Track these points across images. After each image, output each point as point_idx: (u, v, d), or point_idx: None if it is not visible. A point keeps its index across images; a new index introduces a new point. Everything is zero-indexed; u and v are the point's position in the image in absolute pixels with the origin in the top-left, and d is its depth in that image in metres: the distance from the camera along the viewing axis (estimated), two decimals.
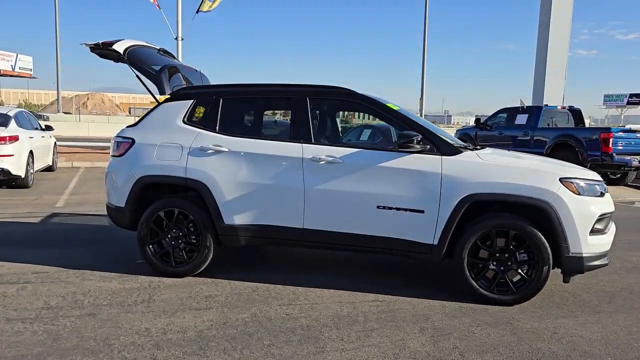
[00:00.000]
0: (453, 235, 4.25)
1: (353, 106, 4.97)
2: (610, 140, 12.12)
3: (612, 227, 4.46)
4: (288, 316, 3.90)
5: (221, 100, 4.84)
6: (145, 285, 4.53)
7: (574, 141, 12.69)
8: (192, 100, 4.90)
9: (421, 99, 22.67)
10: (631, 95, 68.08)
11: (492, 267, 4.25)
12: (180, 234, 4.74)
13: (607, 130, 12.48)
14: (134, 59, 5.04)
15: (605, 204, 4.31)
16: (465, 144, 4.75)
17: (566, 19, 17.81)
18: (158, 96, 5.12)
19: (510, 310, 4.14)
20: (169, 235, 4.75)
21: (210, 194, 4.60)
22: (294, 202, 4.51)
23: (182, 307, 4.04)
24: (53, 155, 12.76)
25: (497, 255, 4.23)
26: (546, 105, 15.12)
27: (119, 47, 4.98)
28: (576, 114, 14.77)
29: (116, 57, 5.23)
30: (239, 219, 4.62)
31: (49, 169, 12.52)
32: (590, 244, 4.17)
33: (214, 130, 4.75)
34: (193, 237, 4.74)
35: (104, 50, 5.13)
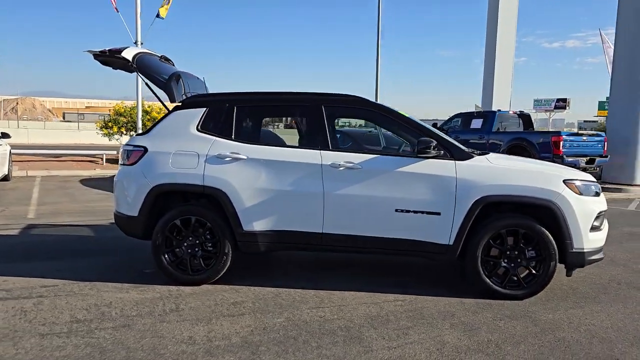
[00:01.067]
0: (467, 235, 4.51)
1: (366, 114, 5.14)
2: (561, 143, 12.94)
3: (606, 224, 4.86)
4: (322, 319, 4.01)
5: (235, 108, 4.89)
6: (166, 294, 4.51)
7: (527, 144, 13.44)
8: (205, 108, 4.91)
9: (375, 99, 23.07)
10: (558, 100, 72.02)
11: (503, 264, 4.54)
12: (197, 241, 4.74)
13: (558, 133, 13.32)
14: (143, 66, 5.01)
15: (601, 203, 4.70)
16: (471, 150, 5.03)
17: (512, 27, 18.81)
18: (168, 104, 5.10)
19: (523, 304, 4.44)
20: (185, 244, 4.75)
21: (229, 201, 4.64)
22: (314, 207, 4.63)
23: (214, 314, 4.07)
24: (9, 164, 12.18)
25: (508, 252, 4.53)
26: (499, 110, 15.91)
27: (128, 54, 4.94)
28: (525, 118, 15.63)
29: (122, 64, 5.18)
30: (258, 225, 4.68)
31: (4, 178, 11.94)
32: (590, 240, 4.54)
33: (229, 138, 4.80)
34: (209, 244, 4.76)
35: (110, 57, 5.06)
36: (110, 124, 15.95)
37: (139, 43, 14.64)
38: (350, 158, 4.64)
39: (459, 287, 4.83)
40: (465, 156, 4.63)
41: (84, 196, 10.66)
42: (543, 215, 4.52)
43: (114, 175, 5.20)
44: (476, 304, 4.40)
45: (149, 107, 16.54)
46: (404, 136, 5.00)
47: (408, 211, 4.55)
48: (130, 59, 4.95)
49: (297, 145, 4.85)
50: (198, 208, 4.76)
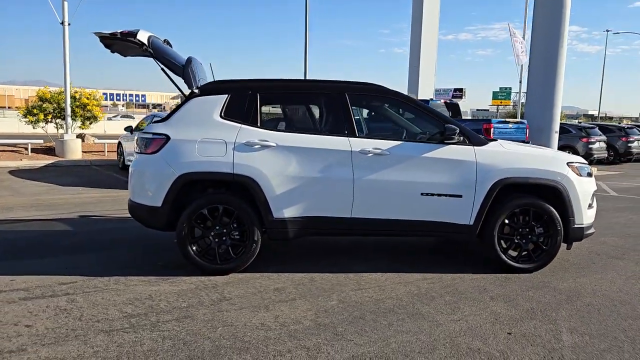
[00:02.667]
0: (486, 215, 4.86)
1: (387, 101, 5.31)
2: (492, 130, 13.92)
3: (595, 202, 5.45)
4: (372, 299, 4.17)
5: (258, 95, 4.86)
6: (200, 285, 4.43)
7: None
8: (227, 95, 4.83)
9: None
10: (455, 90, 76.48)
11: (516, 240, 4.95)
12: (224, 230, 4.69)
13: (489, 121, 14.31)
14: (159, 50, 4.82)
15: (593, 183, 5.26)
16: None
17: (435, 16, 19.72)
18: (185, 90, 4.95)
19: (535, 277, 4.87)
20: (212, 233, 4.68)
21: (259, 189, 4.63)
22: (343, 192, 4.75)
23: (267, 301, 4.09)
24: None
25: (520, 230, 4.95)
26: (432, 99, 16.74)
27: (143, 37, 4.72)
28: (454, 107, 16.58)
29: (132, 49, 4.95)
30: (288, 212, 4.72)
31: None
32: (587, 216, 5.08)
33: (255, 125, 4.77)
34: (236, 233, 4.72)
35: (121, 40, 4.81)
36: (35, 110, 14.70)
37: (65, 23, 13.63)
38: (378, 144, 4.80)
39: (470, 264, 5.20)
40: (482, 142, 4.97)
41: (26, 189, 9.88)
42: (550, 195, 4.97)
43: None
44: (497, 279, 4.78)
45: (76, 92, 15.44)
46: (420, 123, 5.24)
47: (432, 194, 4.82)
48: (146, 42, 4.74)
49: (325, 132, 4.91)
50: (226, 196, 4.69)
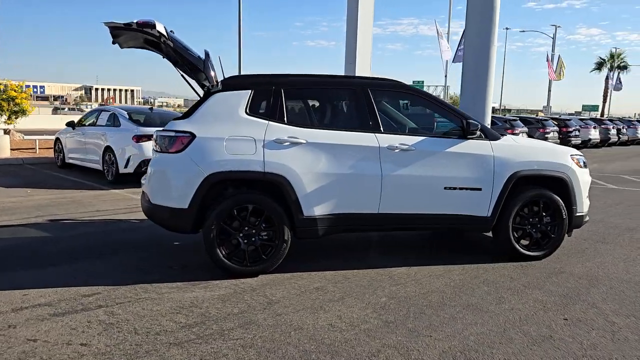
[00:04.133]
0: (502, 207, 5.07)
1: (407, 97, 5.36)
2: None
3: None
4: (417, 294, 4.22)
5: (282, 90, 4.73)
6: (237, 289, 4.26)
7: None
8: (250, 91, 4.66)
9: None
10: None
11: (527, 230, 5.21)
12: (254, 230, 4.53)
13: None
14: (177, 42, 4.55)
15: (589, 174, 5.64)
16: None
17: (370, 10, 19.99)
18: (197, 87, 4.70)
19: (548, 263, 5.16)
20: (241, 234, 4.51)
21: (290, 187, 4.52)
22: (372, 188, 4.75)
23: (317, 301, 4.01)
24: None
25: (531, 220, 5.21)
26: None
27: (161, 28, 4.44)
28: None
29: (137, 39, 4.66)
30: (319, 210, 4.65)
31: None
32: (586, 205, 5.45)
33: (282, 122, 4.64)
34: (265, 233, 4.58)
35: (135, 31, 4.49)
36: None
37: None
38: (404, 140, 4.84)
39: (476, 254, 5.42)
40: (497, 136, 5.16)
41: None
42: (556, 186, 5.27)
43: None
44: (514, 267, 5.00)
45: (1, 85, 14.07)
46: (440, 118, 5.34)
47: (455, 188, 4.95)
48: (165, 33, 4.45)
49: (351, 128, 4.86)
50: (256, 195, 4.53)
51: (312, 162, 4.59)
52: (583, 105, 73.92)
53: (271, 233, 4.56)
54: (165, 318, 3.63)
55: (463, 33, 27.16)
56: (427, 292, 4.26)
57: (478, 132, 4.97)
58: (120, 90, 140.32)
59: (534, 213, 5.21)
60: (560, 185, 5.26)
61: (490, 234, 5.35)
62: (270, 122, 4.60)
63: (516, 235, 5.19)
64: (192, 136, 4.44)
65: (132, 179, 9.98)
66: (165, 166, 4.50)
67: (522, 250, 5.19)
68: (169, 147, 4.46)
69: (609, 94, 52.15)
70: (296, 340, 3.31)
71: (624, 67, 53.00)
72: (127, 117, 10.30)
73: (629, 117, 44.20)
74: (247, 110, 4.61)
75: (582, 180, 5.35)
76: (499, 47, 15.37)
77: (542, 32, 56.18)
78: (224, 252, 4.47)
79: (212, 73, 4.69)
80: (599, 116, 44.88)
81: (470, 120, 4.94)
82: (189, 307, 3.85)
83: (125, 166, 9.74)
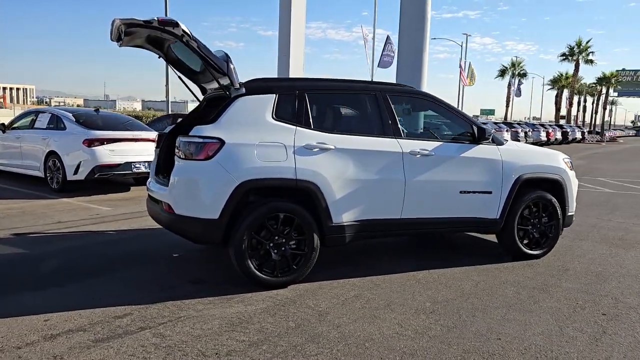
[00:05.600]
0: (510, 209, 5.28)
1: (423, 103, 5.41)
2: None
3: None
4: (455, 297, 4.27)
5: (306, 94, 4.61)
6: (277, 302, 4.09)
7: None
8: (275, 95, 4.51)
9: (166, 85, 21.89)
10: None
11: (529, 230, 5.47)
12: (283, 240, 4.38)
13: None
14: (199, 42, 4.29)
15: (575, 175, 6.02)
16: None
17: (303, 13, 20.01)
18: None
19: (549, 261, 5.44)
20: (271, 244, 4.34)
21: (320, 194, 4.42)
22: (396, 194, 4.77)
23: (364, 310, 3.95)
24: None
25: (532, 220, 5.47)
26: None
27: (184, 27, 4.17)
28: None
29: (141, 38, 4.44)
30: (346, 217, 4.58)
31: None
32: (574, 205, 5.82)
33: (309, 127, 4.53)
34: (293, 242, 4.44)
35: (154, 29, 4.19)
36: None
37: None
38: (424, 145, 4.91)
39: (479, 255, 5.61)
40: (502, 142, 5.36)
41: None
42: (553, 187, 5.57)
43: None
44: (522, 267, 5.22)
45: None
46: (451, 124, 5.45)
47: (469, 192, 5.09)
48: (189, 32, 4.18)
49: (374, 133, 4.82)
50: (288, 203, 4.38)
51: (341, 169, 4.52)
52: (481, 109, 79.05)
53: (301, 242, 4.43)
54: (223, 337, 3.41)
55: (387, 39, 28.02)
56: (462, 294, 4.34)
57: (490, 138, 5.14)
58: (12, 88, 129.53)
59: (534, 214, 5.47)
60: (556, 187, 5.57)
61: (482, 235, 5.56)
62: (298, 128, 4.47)
63: (520, 236, 5.42)
64: (221, 142, 4.20)
65: (83, 187, 9.31)
66: (192, 174, 4.22)
67: (525, 249, 5.44)
68: (197, 154, 4.19)
69: (511, 99, 56.14)
70: (377, 352, 3.24)
71: (523, 75, 57.40)
72: (74, 119, 9.53)
73: (527, 121, 47.79)
74: (274, 115, 4.44)
75: (573, 181, 5.71)
76: None
77: (451, 40, 59.47)
78: (255, 264, 4.28)
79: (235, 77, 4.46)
80: (494, 120, 48.13)
81: (483, 126, 5.11)
82: (240, 323, 3.64)
83: (75, 173, 9.00)
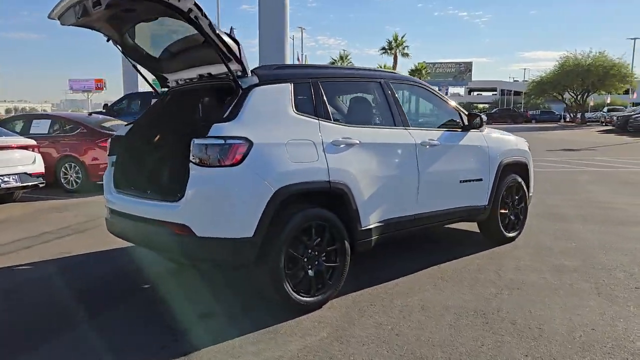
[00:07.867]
0: (495, 195, 5.30)
1: (417, 90, 5.08)
2: None
3: None
4: (486, 295, 4.07)
5: (320, 83, 4.04)
6: (339, 326, 3.53)
7: None
8: (289, 84, 3.87)
9: None
10: (96, 80, 70.80)
11: (508, 214, 5.55)
12: (316, 253, 3.80)
13: None
14: (211, 21, 3.47)
15: None
16: None
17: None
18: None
19: (525, 242, 5.60)
20: (305, 258, 3.74)
21: (352, 196, 3.92)
22: (413, 189, 4.46)
23: (428, 320, 3.59)
24: None
25: (510, 204, 5.57)
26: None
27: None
28: (148, 96, 16.24)
29: (131, 19, 3.56)
30: (372, 219, 4.15)
31: None
32: (533, 186, 6.09)
33: (329, 120, 3.98)
34: (324, 252, 3.88)
35: (159, 2, 3.28)
36: None
37: None
38: (431, 135, 4.67)
39: (467, 244, 5.60)
40: (483, 127, 5.30)
41: None
42: (520, 171, 5.72)
43: None
44: (512, 250, 5.29)
45: None
46: (441, 111, 5.21)
47: (466, 181, 4.98)
48: (200, 10, 3.34)
49: (385, 124, 4.42)
50: (321, 210, 3.79)
51: (366, 165, 4.06)
52: None
53: (331, 252, 3.88)
54: None
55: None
56: (501, 294, 4.12)
57: (483, 124, 5.07)
58: None
59: (511, 197, 5.57)
60: (523, 170, 5.75)
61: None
62: (320, 121, 3.89)
63: (502, 220, 5.49)
64: (249, 143, 3.44)
65: None
66: (220, 185, 3.39)
67: (505, 232, 5.53)
68: (223, 159, 3.38)
69: None
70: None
71: None
72: None
73: None
74: (294, 108, 3.81)
75: (532, 164, 5.97)
76: None
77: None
78: (291, 285, 3.63)
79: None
80: None
81: (474, 112, 5.04)
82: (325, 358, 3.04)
83: None
